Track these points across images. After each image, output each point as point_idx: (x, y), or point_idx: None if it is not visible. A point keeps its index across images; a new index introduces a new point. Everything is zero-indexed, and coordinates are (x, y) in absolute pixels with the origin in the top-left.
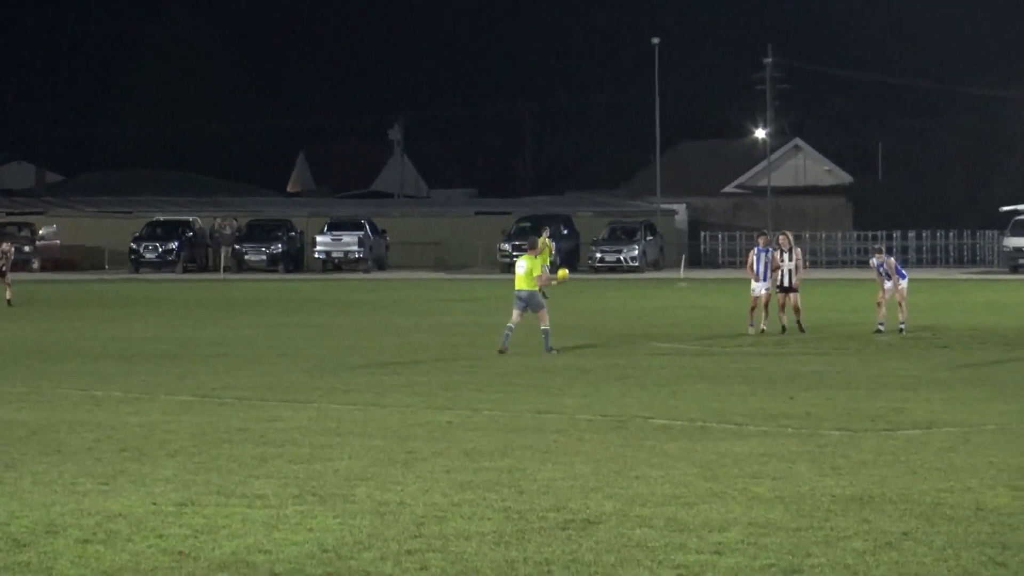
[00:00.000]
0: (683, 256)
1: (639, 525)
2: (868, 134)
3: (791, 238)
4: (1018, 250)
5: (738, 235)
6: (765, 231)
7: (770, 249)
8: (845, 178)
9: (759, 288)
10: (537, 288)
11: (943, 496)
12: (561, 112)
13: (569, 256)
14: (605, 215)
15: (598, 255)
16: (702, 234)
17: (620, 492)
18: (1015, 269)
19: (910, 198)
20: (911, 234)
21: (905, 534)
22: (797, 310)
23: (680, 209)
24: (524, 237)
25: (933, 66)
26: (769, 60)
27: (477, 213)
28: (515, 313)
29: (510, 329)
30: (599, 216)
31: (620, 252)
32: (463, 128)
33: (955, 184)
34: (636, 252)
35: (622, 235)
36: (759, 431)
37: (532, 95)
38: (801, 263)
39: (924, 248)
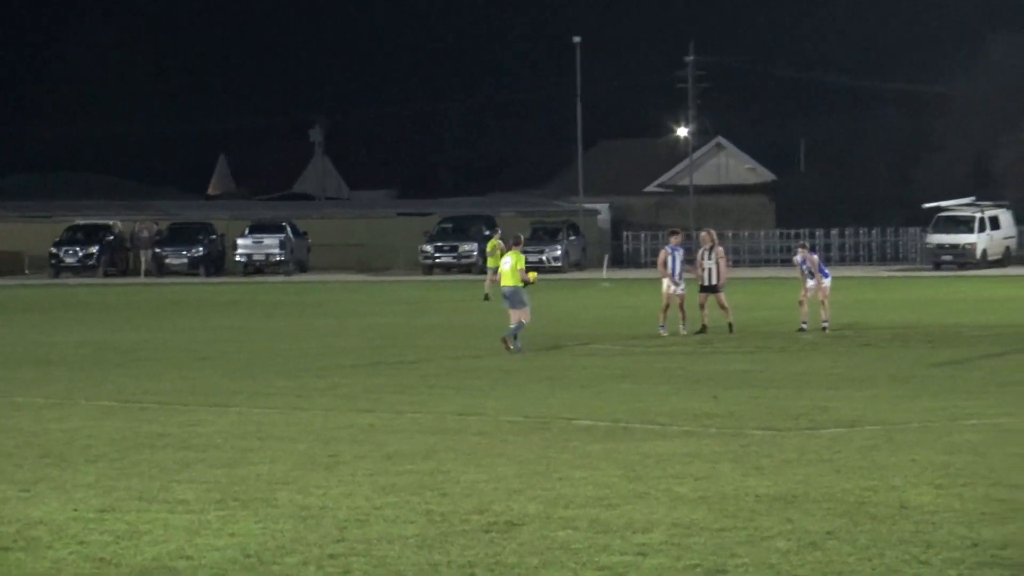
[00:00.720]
0: (606, 256)
1: (563, 527)
2: (790, 132)
3: (714, 236)
4: (941, 247)
5: (661, 234)
6: (677, 229)
7: (681, 247)
8: (768, 176)
9: (674, 287)
10: (521, 283)
11: (867, 495)
12: (483, 112)
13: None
14: (527, 215)
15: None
16: (625, 234)
17: (543, 494)
18: (938, 266)
19: (833, 195)
20: (834, 231)
21: (829, 533)
22: (724, 309)
23: (602, 209)
24: (446, 238)
25: (856, 63)
26: (691, 58)
27: (399, 214)
28: (514, 313)
29: (519, 326)
30: (521, 216)
31: (543, 252)
32: (384, 129)
33: (878, 181)
34: (559, 252)
35: (544, 235)
36: (682, 431)
37: (453, 95)
38: (724, 261)
39: (847, 245)
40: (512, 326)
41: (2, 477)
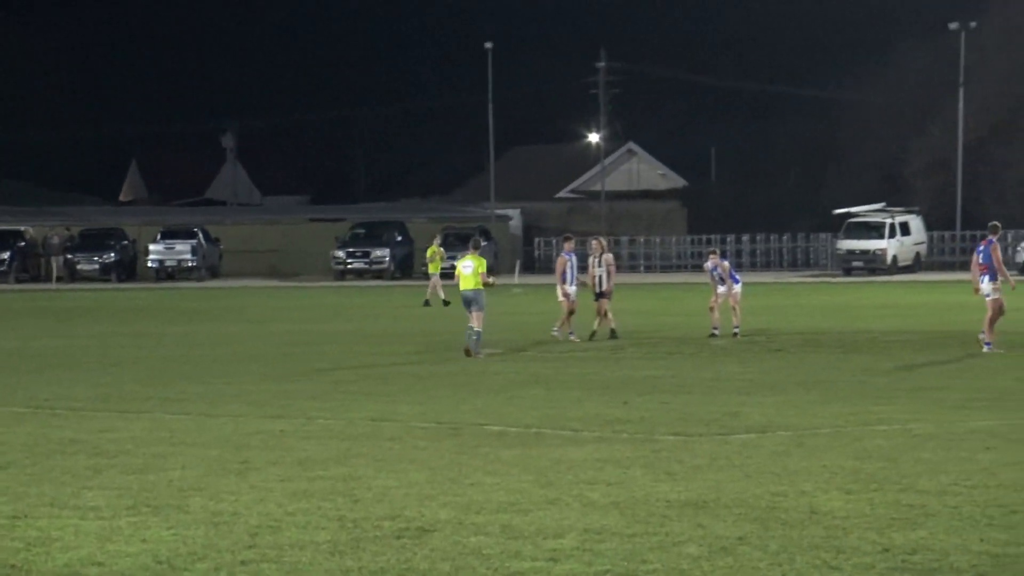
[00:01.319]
0: (517, 262)
1: (474, 533)
2: (702, 138)
3: (604, 243)
4: (851, 253)
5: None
6: (570, 235)
7: (574, 253)
8: (679, 182)
9: (571, 292)
10: (483, 287)
11: (777, 500)
12: (395, 118)
13: (403, 263)
14: (439, 221)
15: None
16: (536, 240)
17: (455, 500)
18: (848, 272)
19: (744, 202)
20: (745, 237)
21: (740, 538)
22: (607, 316)
23: (514, 215)
24: (358, 244)
25: (766, 69)
26: (602, 64)
27: (311, 220)
28: (472, 317)
29: (471, 331)
30: (433, 222)
31: (454, 258)
32: (296, 135)
33: (789, 187)
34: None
35: (456, 241)
36: (594, 437)
37: (366, 101)
38: (612, 268)
39: (758, 251)
40: (473, 334)
41: None
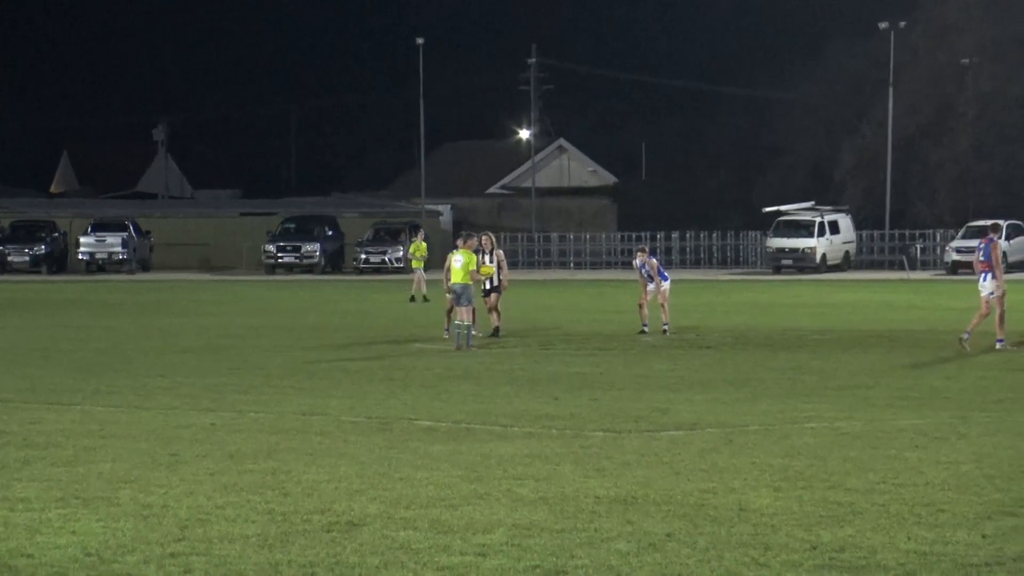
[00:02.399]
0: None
1: (403, 527)
2: (632, 135)
3: (493, 239)
4: (781, 251)
5: (503, 236)
6: (471, 233)
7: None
8: (609, 179)
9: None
10: (471, 282)
11: (706, 497)
12: (327, 113)
13: (334, 257)
14: (371, 216)
15: (363, 256)
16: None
17: (384, 494)
18: (778, 270)
19: (674, 199)
20: (675, 235)
21: (669, 535)
22: (497, 312)
23: (445, 210)
24: (288, 238)
25: (697, 67)
26: (533, 60)
27: (242, 214)
28: (461, 311)
29: (459, 327)
30: (364, 217)
31: (385, 253)
32: (228, 129)
33: (719, 185)
34: (400, 253)
35: (387, 236)
36: (524, 432)
37: (298, 95)
38: (504, 264)
39: (688, 249)
40: (463, 328)
41: None
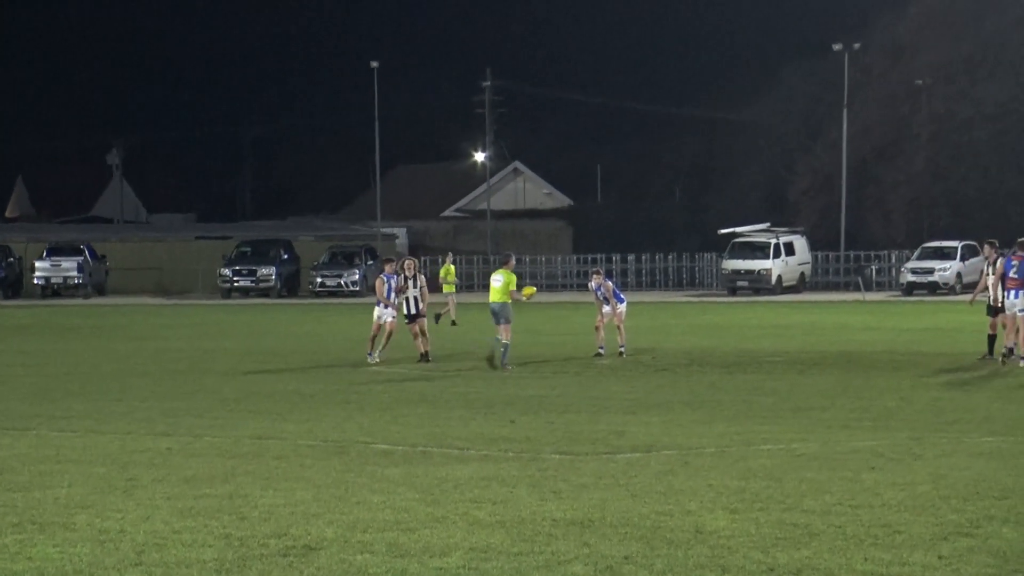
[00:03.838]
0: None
1: (360, 551)
2: (587, 158)
3: (416, 264)
4: (736, 273)
5: (459, 259)
6: (392, 258)
7: (395, 275)
8: (565, 201)
9: (386, 315)
10: (510, 301)
11: (663, 519)
12: (282, 136)
13: (290, 281)
14: (326, 239)
15: (319, 280)
16: (422, 258)
17: (341, 518)
18: (733, 291)
19: (629, 221)
20: (631, 257)
21: (626, 558)
22: (423, 337)
23: (401, 233)
24: (244, 262)
25: (653, 89)
26: (488, 83)
27: (197, 238)
28: (499, 329)
29: (498, 343)
30: (320, 241)
31: (341, 276)
32: (183, 153)
33: (674, 207)
34: (357, 277)
35: (342, 259)
36: (480, 455)
37: (253, 119)
38: (425, 289)
39: (644, 271)
40: (500, 347)
41: None
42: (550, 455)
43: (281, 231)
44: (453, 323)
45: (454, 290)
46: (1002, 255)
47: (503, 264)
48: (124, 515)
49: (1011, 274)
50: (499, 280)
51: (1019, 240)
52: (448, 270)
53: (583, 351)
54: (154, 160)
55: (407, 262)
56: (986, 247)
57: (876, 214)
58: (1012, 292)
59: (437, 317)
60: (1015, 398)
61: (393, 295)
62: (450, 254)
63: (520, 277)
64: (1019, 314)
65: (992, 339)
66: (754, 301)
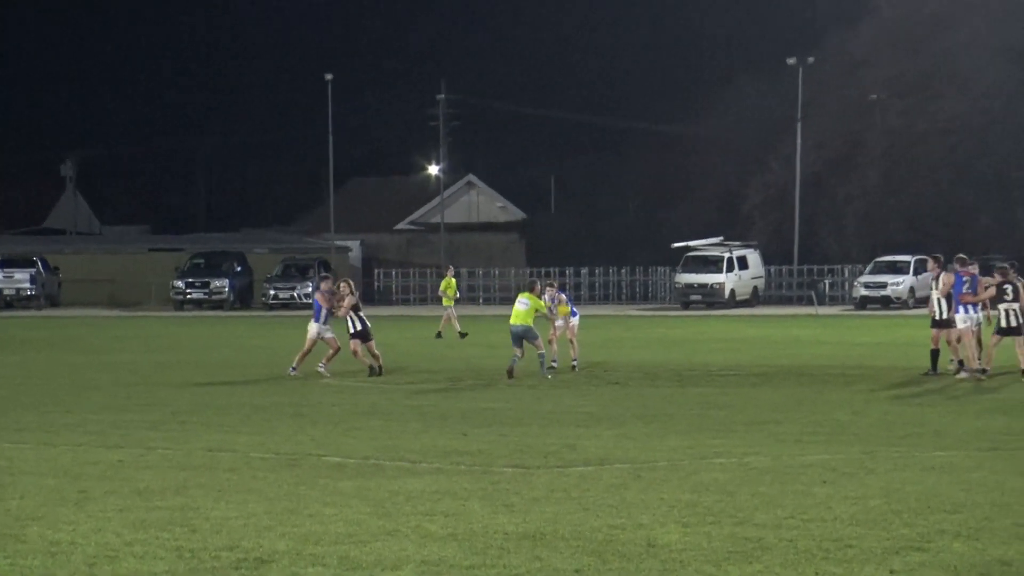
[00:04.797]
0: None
1: (312, 564)
2: (541, 170)
3: (351, 284)
4: (690, 286)
5: (412, 272)
6: (327, 275)
7: (333, 293)
8: (518, 214)
9: (324, 330)
10: (532, 323)
11: (615, 533)
12: (235, 148)
13: (243, 293)
14: (279, 252)
15: (272, 292)
16: (376, 271)
17: (293, 531)
18: (686, 305)
19: (583, 234)
20: (584, 270)
21: (577, 571)
22: (357, 354)
23: (354, 246)
24: (197, 274)
25: (606, 102)
26: (442, 96)
27: (151, 250)
28: (517, 350)
29: (541, 356)
30: (273, 253)
31: (294, 289)
32: (136, 164)
33: (628, 220)
34: (310, 289)
35: (296, 272)
36: (433, 468)
37: (206, 131)
38: (361, 308)
39: (597, 284)
40: (541, 359)
41: None
42: (502, 468)
43: (234, 243)
44: (462, 334)
45: (452, 304)
46: (945, 270)
47: (529, 289)
48: (76, 527)
49: (964, 289)
50: (525, 304)
51: (958, 256)
52: (449, 283)
53: (535, 364)
54: (108, 172)
55: (343, 284)
56: (930, 262)
57: (829, 228)
58: (966, 307)
59: (438, 334)
60: (966, 412)
61: (324, 312)
62: (451, 267)
63: (472, 290)
64: (974, 329)
65: (935, 354)
66: (707, 315)
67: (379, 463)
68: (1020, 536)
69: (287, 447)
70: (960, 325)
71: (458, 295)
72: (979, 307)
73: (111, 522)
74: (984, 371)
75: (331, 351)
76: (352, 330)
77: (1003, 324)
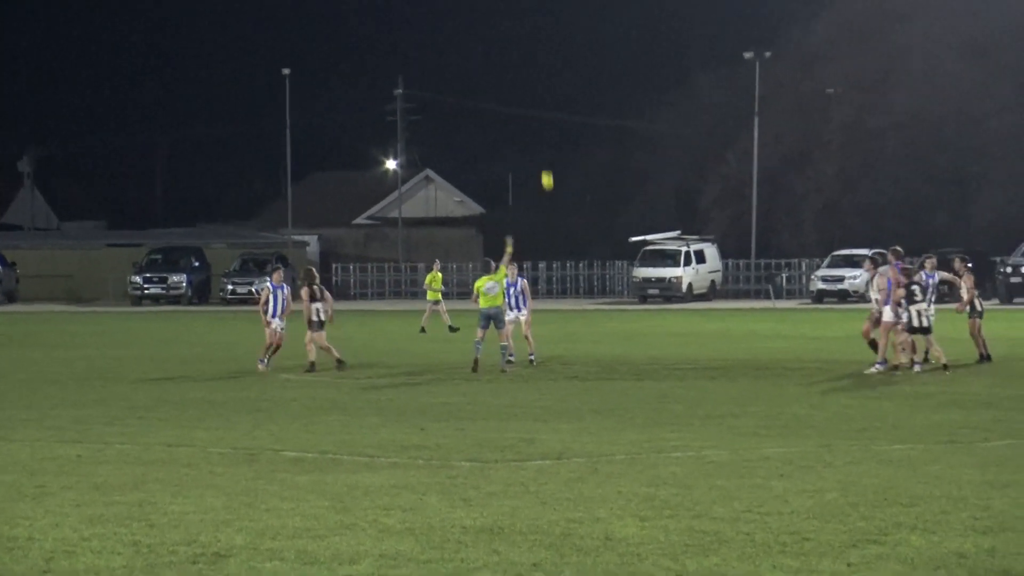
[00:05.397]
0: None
1: (269, 558)
2: (499, 166)
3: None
4: (647, 280)
5: (370, 266)
6: (279, 267)
7: (283, 286)
8: (476, 209)
9: (276, 323)
10: (502, 304)
11: (572, 526)
12: (192, 143)
13: (201, 288)
14: (237, 247)
15: (229, 287)
16: (334, 266)
17: (251, 525)
18: (644, 299)
19: (540, 229)
20: (542, 264)
21: (535, 565)
22: (326, 346)
23: (312, 241)
24: (155, 269)
25: (563, 98)
26: (399, 91)
27: (108, 245)
28: (481, 332)
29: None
30: (231, 248)
31: (252, 284)
32: (94, 160)
33: (585, 215)
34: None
35: (253, 267)
36: (390, 463)
37: (163, 126)
38: (330, 299)
39: (555, 278)
40: (503, 351)
41: None
42: (460, 462)
43: (192, 238)
44: (452, 328)
45: (439, 297)
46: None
47: (486, 271)
48: (33, 522)
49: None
50: (494, 287)
51: (893, 248)
52: (435, 277)
53: (493, 359)
54: (65, 167)
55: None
56: (867, 263)
57: (787, 222)
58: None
59: (422, 329)
60: (923, 406)
61: (280, 306)
62: (436, 261)
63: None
64: (899, 323)
65: (873, 343)
66: (665, 309)
67: (337, 457)
68: (977, 529)
69: (245, 442)
70: (885, 318)
71: (444, 289)
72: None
73: (69, 517)
74: (898, 367)
75: (272, 345)
76: (315, 319)
77: (915, 324)
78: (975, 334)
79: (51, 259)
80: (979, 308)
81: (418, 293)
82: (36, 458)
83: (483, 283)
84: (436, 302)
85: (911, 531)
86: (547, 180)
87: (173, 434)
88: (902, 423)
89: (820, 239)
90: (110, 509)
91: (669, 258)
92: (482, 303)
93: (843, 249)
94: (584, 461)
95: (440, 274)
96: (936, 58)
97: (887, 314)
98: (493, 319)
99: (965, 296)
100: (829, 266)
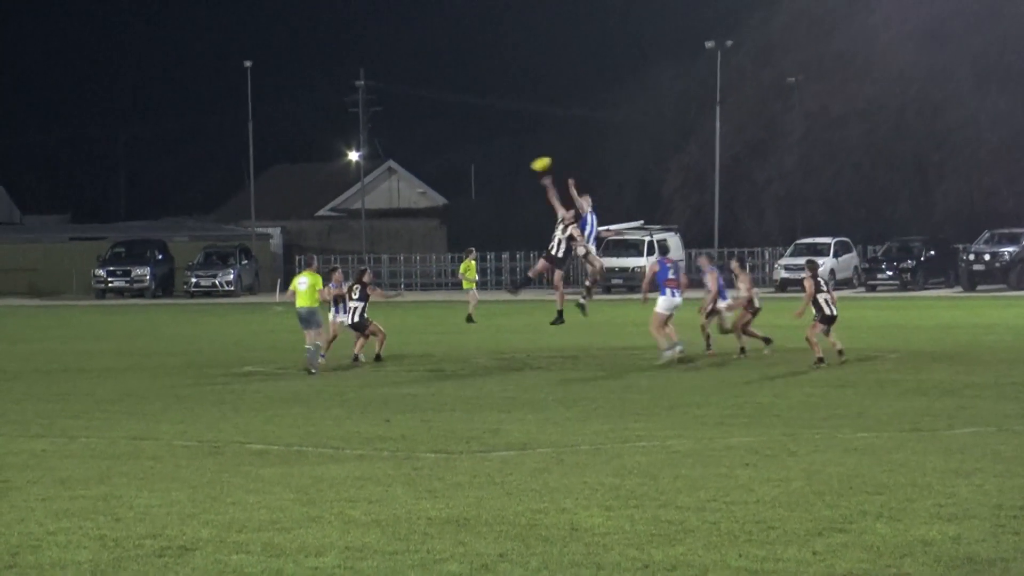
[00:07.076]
0: (278, 280)
1: (236, 551)
2: (461, 157)
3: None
4: (610, 270)
5: (333, 258)
6: (338, 266)
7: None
8: (439, 200)
9: (340, 318)
10: (317, 304)
11: (538, 517)
12: (156, 136)
13: (164, 281)
14: (200, 240)
15: (193, 280)
16: (297, 258)
17: (216, 518)
18: (607, 290)
19: (503, 220)
20: (505, 255)
21: (501, 555)
22: (368, 338)
23: (275, 233)
24: (118, 263)
25: (523, 89)
26: (361, 83)
27: (71, 239)
28: (309, 334)
29: (313, 348)
30: (194, 241)
31: (215, 277)
32: (56, 154)
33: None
34: (231, 276)
35: (217, 259)
36: (355, 455)
37: (125, 119)
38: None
39: (518, 269)
40: (311, 348)
41: None
42: (425, 454)
43: (155, 231)
44: (470, 319)
45: (473, 287)
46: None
47: (307, 266)
48: None
49: (670, 275)
50: (305, 283)
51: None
52: (468, 266)
53: (457, 350)
54: (28, 161)
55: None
56: (733, 263)
57: (749, 211)
58: (673, 292)
59: (469, 318)
60: (887, 394)
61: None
62: (472, 250)
63: (394, 276)
64: (666, 313)
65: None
66: (628, 299)
67: (302, 450)
68: (941, 516)
69: (210, 435)
70: (659, 308)
71: (477, 278)
72: (678, 292)
73: (34, 512)
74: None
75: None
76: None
77: (826, 313)
78: (739, 328)
79: (14, 253)
80: (756, 305)
81: (381, 284)
82: (1, 453)
83: (298, 278)
84: (475, 290)
85: (876, 519)
86: (541, 163)
87: (138, 427)
88: (866, 411)
89: (782, 227)
90: (75, 503)
91: (632, 248)
92: (298, 301)
93: (806, 238)
94: (549, 451)
95: (474, 263)
96: (896, 46)
97: (664, 302)
98: (307, 320)
99: (744, 294)
100: (792, 254)
